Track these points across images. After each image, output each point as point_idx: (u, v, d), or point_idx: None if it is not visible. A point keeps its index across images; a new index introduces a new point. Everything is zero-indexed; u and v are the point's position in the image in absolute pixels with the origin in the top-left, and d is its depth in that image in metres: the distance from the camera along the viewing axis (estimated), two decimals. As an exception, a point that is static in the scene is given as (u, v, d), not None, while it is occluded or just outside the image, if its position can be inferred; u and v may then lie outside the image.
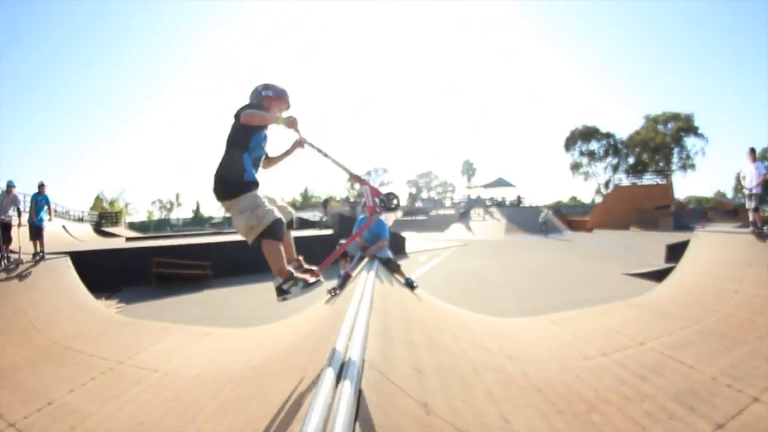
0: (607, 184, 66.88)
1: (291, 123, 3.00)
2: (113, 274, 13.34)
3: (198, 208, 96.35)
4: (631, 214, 40.35)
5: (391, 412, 2.21)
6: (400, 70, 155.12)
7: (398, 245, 20.87)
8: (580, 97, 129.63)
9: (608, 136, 68.61)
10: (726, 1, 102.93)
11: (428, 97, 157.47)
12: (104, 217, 42.97)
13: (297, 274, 3.01)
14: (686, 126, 62.14)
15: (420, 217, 50.11)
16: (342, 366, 2.25)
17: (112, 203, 72.96)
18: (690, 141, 62.75)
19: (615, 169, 68.56)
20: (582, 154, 69.97)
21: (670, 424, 3.88)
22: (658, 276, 11.14)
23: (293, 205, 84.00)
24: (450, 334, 5.48)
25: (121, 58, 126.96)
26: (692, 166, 62.70)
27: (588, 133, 69.05)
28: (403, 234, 25.79)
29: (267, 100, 3.24)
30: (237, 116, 3.01)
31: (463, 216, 43.46)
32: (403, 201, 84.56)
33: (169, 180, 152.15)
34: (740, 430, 3.85)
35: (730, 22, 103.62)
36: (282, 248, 3.04)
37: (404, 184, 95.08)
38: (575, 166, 70.75)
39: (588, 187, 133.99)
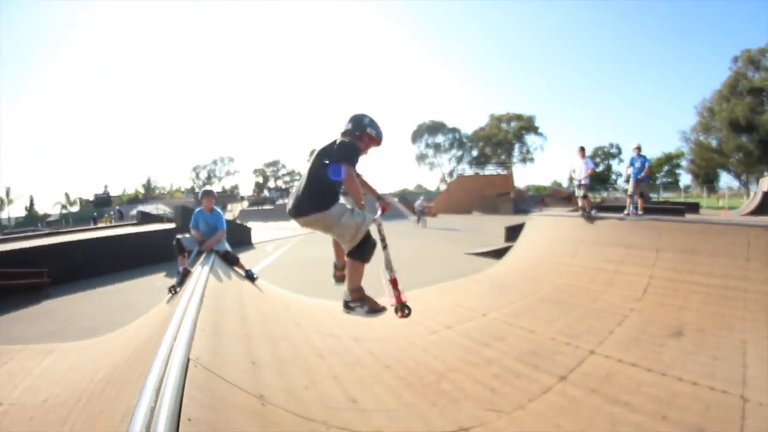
0: (451, 174, 73.29)
1: (384, 205, 3.64)
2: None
3: (32, 204, 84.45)
4: (474, 201, 44.52)
5: (221, 408, 2.27)
6: (247, 58, 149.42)
7: (244, 236, 20.66)
8: (428, 94, 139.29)
9: (454, 130, 75.85)
10: (563, 20, 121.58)
11: (276, 84, 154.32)
12: None
13: (366, 296, 3.51)
14: (528, 125, 71.19)
15: (267, 207, 50.63)
16: (165, 368, 2.28)
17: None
18: (530, 138, 72.05)
19: (459, 160, 75.55)
20: (428, 146, 76.21)
21: (517, 382, 4.17)
22: (498, 254, 12.21)
23: (136, 197, 77.04)
24: (293, 323, 5.51)
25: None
26: (531, 159, 72.08)
27: (435, 127, 75.69)
28: (249, 224, 25.40)
29: (368, 138, 3.55)
30: (342, 156, 3.29)
31: (310, 204, 44.36)
32: (249, 191, 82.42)
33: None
34: (580, 379, 4.34)
35: (569, 39, 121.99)
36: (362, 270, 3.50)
37: (251, 174, 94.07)
38: (421, 157, 76.55)
39: (433, 176, 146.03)
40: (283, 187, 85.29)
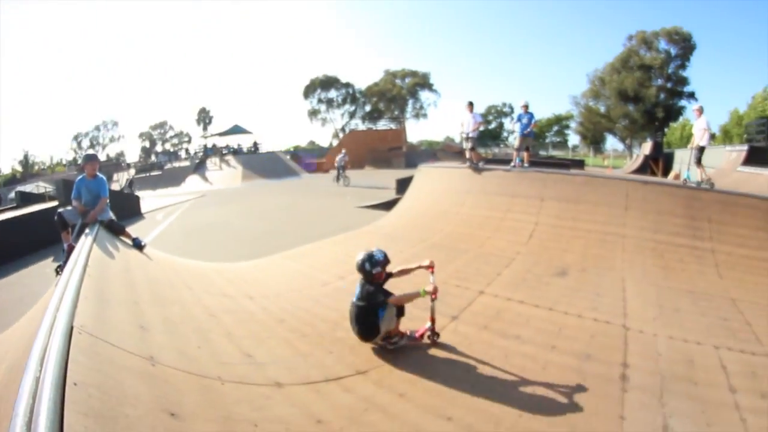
0: (344, 129, 72.79)
1: (434, 293, 4.13)
2: None
3: None
4: (366, 155, 44.55)
5: (108, 371, 2.32)
6: (126, 12, 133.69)
7: (132, 207, 19.36)
8: (321, 48, 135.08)
9: (347, 85, 74.90)
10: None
11: (160, 42, 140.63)
12: None
13: (403, 332, 4.31)
14: (422, 82, 72.09)
15: (155, 173, 46.76)
16: (49, 337, 2.30)
17: None
18: (425, 95, 73.05)
19: (352, 115, 75.21)
20: (321, 101, 74.86)
21: (410, 324, 4.32)
22: (388, 206, 12.45)
23: (14, 177, 67.69)
24: (184, 287, 5.44)
25: None
26: (425, 115, 73.46)
27: (328, 82, 74.34)
28: (138, 193, 23.95)
29: (380, 275, 4.26)
30: (379, 301, 4.10)
31: (200, 167, 42.42)
32: (136, 157, 75.94)
33: None
34: (471, 317, 4.67)
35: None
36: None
37: (137, 138, 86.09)
38: (314, 113, 75.22)
39: (326, 131, 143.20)
40: (171, 150, 79.81)
